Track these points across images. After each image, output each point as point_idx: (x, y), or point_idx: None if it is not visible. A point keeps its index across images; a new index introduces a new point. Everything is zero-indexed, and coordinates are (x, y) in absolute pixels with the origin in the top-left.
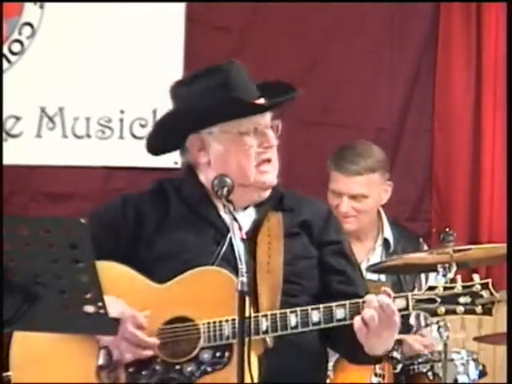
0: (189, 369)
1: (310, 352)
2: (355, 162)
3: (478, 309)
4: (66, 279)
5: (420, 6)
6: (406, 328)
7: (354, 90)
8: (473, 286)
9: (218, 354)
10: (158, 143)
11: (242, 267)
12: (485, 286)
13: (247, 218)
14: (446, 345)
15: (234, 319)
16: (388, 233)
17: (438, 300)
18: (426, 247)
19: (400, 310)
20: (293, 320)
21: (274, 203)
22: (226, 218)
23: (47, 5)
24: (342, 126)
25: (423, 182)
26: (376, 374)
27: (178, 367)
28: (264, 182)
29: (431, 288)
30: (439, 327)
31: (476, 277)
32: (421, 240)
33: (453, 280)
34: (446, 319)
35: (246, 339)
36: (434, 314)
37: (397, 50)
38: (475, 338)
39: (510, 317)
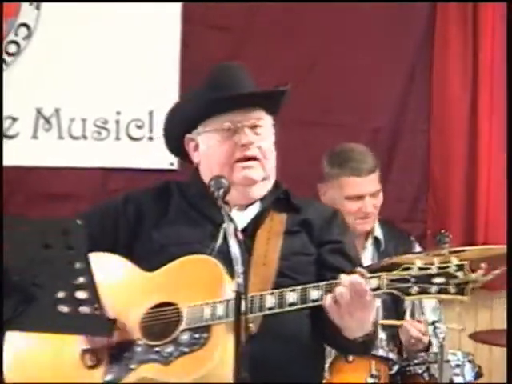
0: (167, 350)
1: (299, 341)
2: (364, 161)
3: (452, 289)
4: (62, 280)
5: (417, 6)
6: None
7: (352, 90)
8: (448, 267)
9: (196, 336)
10: (167, 144)
11: (238, 268)
12: (460, 268)
13: (248, 216)
14: (442, 346)
15: (214, 302)
16: (378, 231)
17: (412, 280)
18: (417, 246)
19: (373, 290)
20: (269, 301)
21: (281, 203)
22: (225, 216)
23: (43, 5)
24: (339, 125)
25: (420, 183)
26: (372, 375)
27: (157, 349)
28: (245, 178)
29: (406, 268)
30: (435, 328)
31: (453, 259)
32: (412, 238)
33: (430, 262)
34: (442, 318)
35: (227, 320)
36: (407, 293)
37: (393, 50)
38: (471, 335)
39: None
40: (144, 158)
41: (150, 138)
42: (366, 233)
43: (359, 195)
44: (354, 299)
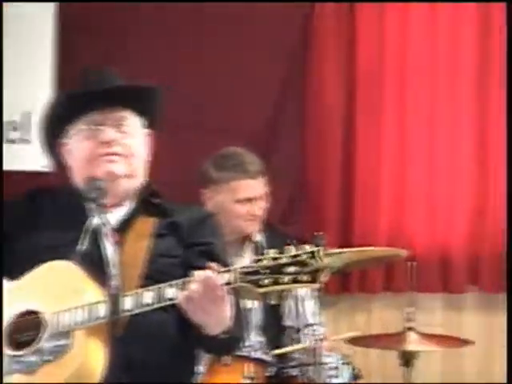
0: (31, 359)
1: (165, 342)
2: (254, 164)
3: (304, 277)
4: None
5: (294, 6)
6: None
7: (227, 93)
8: (300, 255)
9: (58, 343)
10: (45, 152)
11: (112, 270)
12: (313, 255)
13: (116, 218)
14: (317, 348)
15: (76, 307)
16: (258, 236)
17: (265, 271)
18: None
19: (226, 284)
20: (127, 303)
21: (151, 206)
22: (97, 218)
23: None
24: (214, 129)
25: (296, 185)
26: (247, 377)
27: (21, 359)
28: (107, 172)
29: (259, 260)
30: (313, 330)
31: (306, 247)
32: (294, 241)
33: (282, 252)
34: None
35: (88, 324)
36: (260, 285)
37: (269, 51)
38: (347, 341)
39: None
40: (18, 160)
41: (25, 140)
42: (243, 238)
43: (250, 198)
44: (206, 294)
